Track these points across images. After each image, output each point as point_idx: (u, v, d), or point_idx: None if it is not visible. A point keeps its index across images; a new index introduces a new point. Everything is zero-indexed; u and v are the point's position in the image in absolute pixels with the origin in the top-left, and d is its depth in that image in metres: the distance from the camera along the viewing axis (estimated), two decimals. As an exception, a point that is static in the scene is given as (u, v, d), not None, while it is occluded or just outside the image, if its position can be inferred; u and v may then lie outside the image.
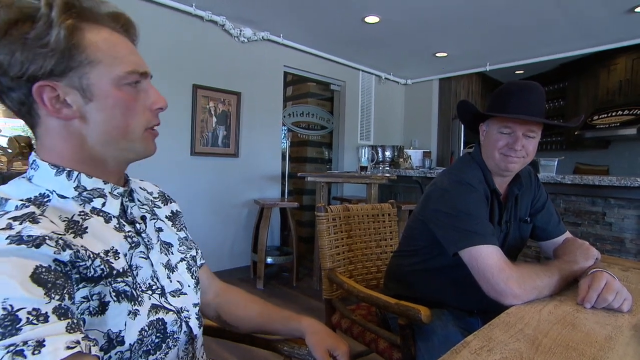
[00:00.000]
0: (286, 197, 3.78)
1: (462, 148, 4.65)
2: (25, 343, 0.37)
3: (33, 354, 0.37)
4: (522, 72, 5.16)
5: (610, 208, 2.59)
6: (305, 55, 3.92)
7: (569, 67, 4.70)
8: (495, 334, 0.71)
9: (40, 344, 0.38)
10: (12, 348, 0.37)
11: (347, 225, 1.59)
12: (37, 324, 0.39)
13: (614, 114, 4.07)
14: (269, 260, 3.32)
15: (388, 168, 4.15)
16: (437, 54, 4.04)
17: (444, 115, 4.92)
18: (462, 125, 4.82)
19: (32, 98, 0.51)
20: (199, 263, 0.78)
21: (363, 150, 3.36)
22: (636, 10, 2.82)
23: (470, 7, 2.87)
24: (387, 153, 4.35)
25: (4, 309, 0.38)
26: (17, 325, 0.38)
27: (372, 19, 3.14)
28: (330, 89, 4.46)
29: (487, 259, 0.94)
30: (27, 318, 0.39)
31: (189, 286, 0.68)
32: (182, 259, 0.70)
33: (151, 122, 0.60)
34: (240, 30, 3.30)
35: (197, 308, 0.69)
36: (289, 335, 0.85)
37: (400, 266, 1.30)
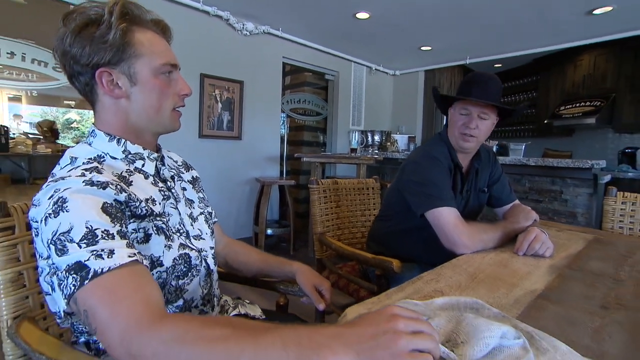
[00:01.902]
0: (284, 176, 3.90)
1: (443, 134, 4.74)
2: (102, 250, 0.50)
3: (108, 257, 0.50)
4: (500, 65, 5.24)
5: (566, 187, 2.74)
6: (302, 48, 3.97)
7: (541, 62, 4.79)
8: (444, 271, 0.85)
9: (111, 252, 0.51)
10: (94, 252, 0.50)
11: (336, 196, 1.72)
12: (107, 239, 0.52)
13: (577, 105, 4.20)
14: (269, 231, 3.46)
15: (377, 151, 4.26)
16: (423, 48, 4.11)
17: (428, 103, 5.01)
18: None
19: (94, 80, 0.64)
20: (213, 219, 0.91)
21: (353, 134, 3.47)
22: (594, 12, 2.92)
23: (452, 5, 2.94)
24: (376, 137, 4.45)
25: (86, 227, 0.52)
26: (96, 239, 0.51)
27: (362, 15, 3.20)
28: (325, 78, 4.53)
29: (445, 217, 1.08)
30: (102, 235, 0.52)
31: (206, 234, 0.81)
32: (201, 213, 0.83)
33: (177, 104, 0.73)
34: (243, 25, 3.35)
35: (213, 250, 0.82)
36: (283, 277, 0.97)
37: (380, 229, 1.44)
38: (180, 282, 0.69)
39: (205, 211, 0.85)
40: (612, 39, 3.39)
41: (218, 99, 3.31)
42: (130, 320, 0.45)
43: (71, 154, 0.65)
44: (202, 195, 0.88)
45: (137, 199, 0.62)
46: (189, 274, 0.71)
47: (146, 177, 0.70)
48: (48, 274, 0.54)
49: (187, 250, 0.70)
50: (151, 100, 0.67)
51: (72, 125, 7.01)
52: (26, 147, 6.15)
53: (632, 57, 3.87)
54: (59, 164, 0.65)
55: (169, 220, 0.70)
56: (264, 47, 3.59)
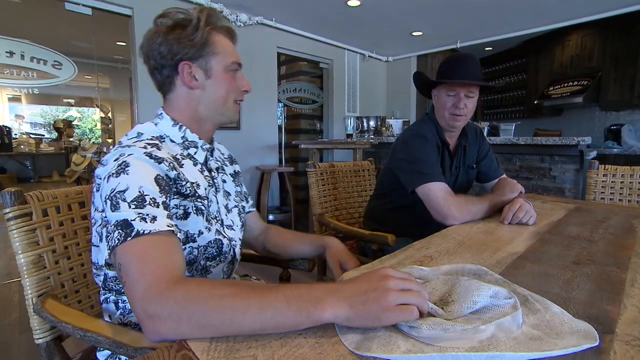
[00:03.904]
0: (283, 164, 3.93)
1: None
2: (147, 215, 0.56)
3: (151, 222, 0.55)
4: (490, 48, 5.22)
5: (555, 164, 2.78)
6: (296, 37, 3.95)
7: (530, 44, 4.77)
8: (434, 240, 0.90)
9: (154, 218, 0.56)
10: (140, 215, 0.55)
11: (333, 179, 1.76)
12: (153, 206, 0.57)
13: (565, 85, 4.20)
14: (271, 217, 3.51)
15: (372, 136, 4.28)
16: (414, 33, 4.09)
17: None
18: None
19: (175, 72, 0.73)
20: (246, 210, 0.95)
21: (349, 121, 3.48)
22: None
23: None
24: (371, 123, 4.46)
25: (139, 191, 0.57)
26: (144, 203, 0.57)
27: (353, 2, 3.17)
28: (320, 67, 4.51)
29: (435, 192, 1.12)
30: (149, 201, 0.57)
31: (237, 225, 0.85)
32: (235, 206, 0.86)
33: (238, 97, 0.80)
34: (237, 16, 3.32)
35: (240, 242, 0.86)
36: (316, 252, 0.95)
37: (375, 207, 1.48)
38: (208, 263, 0.75)
39: (240, 205, 0.89)
40: (596, 19, 3.38)
41: (215, 90, 3.30)
42: (152, 281, 0.49)
43: (139, 129, 0.73)
44: (239, 189, 0.91)
45: (185, 179, 0.68)
46: (217, 258, 0.76)
47: (195, 164, 0.75)
48: (100, 225, 0.61)
49: (219, 237, 0.75)
50: (220, 92, 0.76)
51: (74, 123, 6.97)
52: (29, 147, 6.16)
53: (616, 36, 3.86)
54: (127, 135, 0.72)
55: (210, 206, 0.75)
56: (258, 37, 3.57)
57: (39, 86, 2.76)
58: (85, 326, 0.63)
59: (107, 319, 0.76)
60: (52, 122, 6.71)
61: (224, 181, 0.86)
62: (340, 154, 4.49)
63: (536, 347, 0.40)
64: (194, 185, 0.70)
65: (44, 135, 6.73)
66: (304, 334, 0.44)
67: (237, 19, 3.32)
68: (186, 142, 0.75)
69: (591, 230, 0.94)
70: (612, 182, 1.52)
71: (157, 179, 0.61)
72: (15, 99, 6.98)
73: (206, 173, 0.77)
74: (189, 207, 0.69)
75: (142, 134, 0.72)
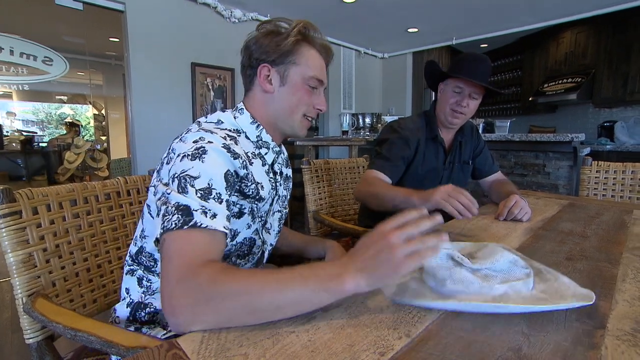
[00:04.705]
0: (279, 161, 3.91)
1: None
2: (209, 210, 0.56)
3: (210, 218, 0.55)
4: (486, 45, 5.22)
5: (549, 160, 2.79)
6: (291, 33, 3.92)
7: (525, 41, 4.78)
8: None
9: (214, 215, 0.56)
10: (203, 207, 0.55)
11: (328, 175, 1.76)
12: (216, 202, 0.57)
13: (560, 82, 4.22)
14: (266, 215, 3.49)
15: (368, 133, 4.28)
16: (409, 30, 4.08)
17: (417, 84, 5.01)
18: (432, 93, 4.92)
19: (255, 73, 0.74)
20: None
21: (344, 117, 3.47)
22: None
23: (435, -14, 2.91)
24: (367, 119, 4.45)
25: (208, 183, 0.58)
26: (209, 197, 0.57)
27: (349, -1, 3.16)
28: (315, 63, 4.49)
29: (365, 177, 1.21)
30: (215, 195, 0.58)
31: (274, 230, 0.85)
32: (278, 211, 0.85)
33: (308, 113, 0.78)
34: (231, 12, 3.29)
35: (271, 247, 0.86)
36: (317, 252, 0.97)
37: (369, 203, 1.48)
38: (239, 261, 0.75)
39: (283, 211, 0.88)
40: (590, 16, 3.40)
41: (210, 87, 3.28)
42: (185, 262, 0.50)
43: (220, 117, 0.74)
44: (286, 194, 0.90)
45: (252, 180, 0.68)
46: (247, 257, 0.76)
47: (263, 165, 0.75)
48: (159, 199, 0.60)
49: (255, 236, 0.75)
50: (290, 101, 0.75)
51: (67, 120, 6.90)
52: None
53: (610, 34, 3.88)
54: (206, 118, 0.74)
55: (264, 205, 0.75)
56: (252, 33, 3.53)
57: (30, 82, 2.72)
58: (76, 326, 0.63)
59: (123, 294, 0.76)
60: (65, 119, 6.65)
61: (280, 184, 0.85)
62: (336, 150, 4.48)
63: (538, 304, 0.47)
64: (258, 186, 0.70)
65: (36, 133, 6.66)
66: (295, 332, 0.44)
67: (231, 15, 3.29)
68: (260, 142, 0.76)
69: (584, 226, 0.95)
70: (605, 178, 1.53)
71: (226, 175, 0.61)
72: (5, 96, 6.89)
73: (271, 175, 0.78)
74: (245, 207, 0.69)
75: (222, 122, 0.73)
